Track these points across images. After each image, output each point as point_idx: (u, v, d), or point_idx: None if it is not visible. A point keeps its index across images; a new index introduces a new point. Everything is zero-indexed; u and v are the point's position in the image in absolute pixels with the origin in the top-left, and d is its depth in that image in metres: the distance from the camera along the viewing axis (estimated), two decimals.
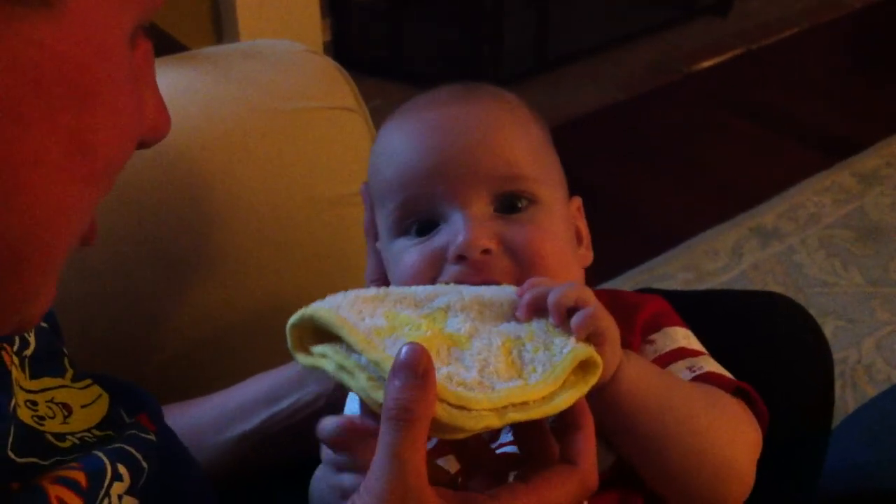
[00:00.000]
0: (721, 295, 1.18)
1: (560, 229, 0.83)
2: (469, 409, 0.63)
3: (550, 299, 0.69)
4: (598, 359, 0.68)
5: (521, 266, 0.79)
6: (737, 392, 0.81)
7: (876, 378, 1.98)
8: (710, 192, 2.56)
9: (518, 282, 0.76)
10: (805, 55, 3.22)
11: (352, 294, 0.72)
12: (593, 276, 0.86)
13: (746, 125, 2.87)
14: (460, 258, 0.78)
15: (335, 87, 1.20)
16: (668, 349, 0.83)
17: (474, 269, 0.78)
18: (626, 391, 0.73)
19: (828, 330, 1.03)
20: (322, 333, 0.70)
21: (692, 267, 2.28)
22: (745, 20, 3.35)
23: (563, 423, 0.68)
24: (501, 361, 0.67)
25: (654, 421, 0.74)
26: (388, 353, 0.64)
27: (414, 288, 0.74)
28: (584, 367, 0.68)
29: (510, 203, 0.81)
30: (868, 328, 2.11)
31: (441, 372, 0.64)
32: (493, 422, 0.64)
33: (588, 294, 0.70)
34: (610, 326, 0.70)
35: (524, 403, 0.65)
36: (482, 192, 0.80)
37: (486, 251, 0.78)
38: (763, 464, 0.80)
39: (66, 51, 0.50)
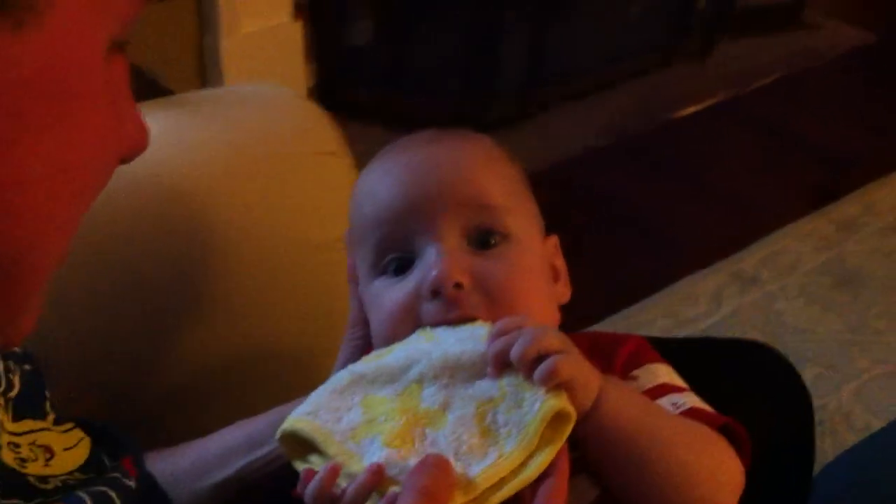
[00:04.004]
0: (701, 343, 1.19)
1: (533, 265, 0.84)
2: None
3: (513, 355, 0.70)
4: (570, 409, 0.69)
5: (493, 302, 0.79)
6: (720, 429, 0.81)
7: (855, 426, 1.98)
8: (688, 239, 2.58)
9: (491, 317, 0.77)
10: (785, 102, 3.26)
11: (328, 388, 0.74)
12: (571, 323, 0.86)
13: (728, 171, 2.89)
14: (435, 293, 0.79)
15: (320, 131, 1.20)
16: (651, 385, 0.84)
17: (449, 306, 0.79)
18: (606, 421, 0.73)
19: (807, 377, 1.04)
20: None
21: (671, 314, 2.29)
22: (725, 66, 3.38)
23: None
24: (476, 434, 0.68)
25: (635, 451, 0.74)
26: (364, 463, 0.68)
27: (386, 359, 0.75)
28: (558, 416, 0.68)
29: (483, 239, 0.82)
30: (847, 375, 2.12)
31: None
32: None
33: (551, 340, 0.71)
34: (576, 371, 0.70)
35: (501, 480, 0.66)
36: (455, 225, 0.82)
37: (458, 285, 0.79)
38: None
39: (42, 69, 0.49)
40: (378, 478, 0.66)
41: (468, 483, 0.65)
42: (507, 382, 0.70)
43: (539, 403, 0.68)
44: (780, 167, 2.90)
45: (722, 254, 2.48)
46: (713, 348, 1.11)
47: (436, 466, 0.65)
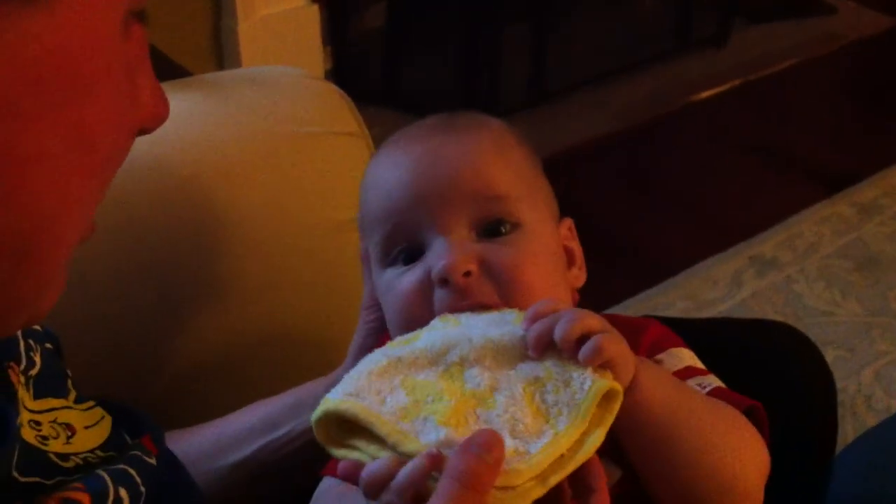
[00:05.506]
0: (723, 323, 1.18)
1: (543, 251, 0.83)
2: (514, 487, 0.63)
3: (557, 336, 0.69)
4: (619, 387, 0.68)
5: (502, 288, 0.79)
6: (745, 412, 0.80)
7: (876, 408, 1.97)
8: (708, 222, 2.57)
9: (503, 303, 0.78)
10: (802, 87, 3.24)
11: (364, 371, 0.72)
12: (590, 306, 0.86)
13: (744, 155, 2.88)
14: (443, 281, 0.78)
15: (338, 112, 1.20)
16: (676, 368, 0.84)
17: (459, 294, 0.78)
18: (640, 399, 0.73)
19: (827, 359, 1.05)
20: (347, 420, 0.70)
21: (691, 296, 2.28)
22: (742, 52, 3.36)
23: (580, 485, 0.68)
24: (528, 413, 0.67)
25: (666, 429, 0.74)
26: (421, 441, 0.65)
27: (421, 343, 0.73)
28: (605, 395, 0.68)
29: (493, 228, 0.82)
30: (867, 358, 2.11)
31: None
32: (538, 492, 0.64)
33: (592, 321, 0.70)
34: (618, 349, 0.70)
35: (560, 458, 0.66)
36: (463, 217, 0.81)
37: (466, 274, 0.78)
38: (766, 492, 0.80)
39: (62, 43, 0.50)
40: (437, 462, 0.63)
41: (531, 460, 0.64)
42: (550, 363, 0.69)
43: (589, 383, 0.67)
44: (799, 150, 2.88)
45: (741, 237, 2.47)
46: (736, 329, 1.11)
47: (485, 447, 0.62)
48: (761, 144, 2.92)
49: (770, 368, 1.02)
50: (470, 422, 0.67)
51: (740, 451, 0.77)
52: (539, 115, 2.91)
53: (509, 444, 0.65)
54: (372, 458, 0.67)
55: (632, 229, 2.56)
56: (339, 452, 0.70)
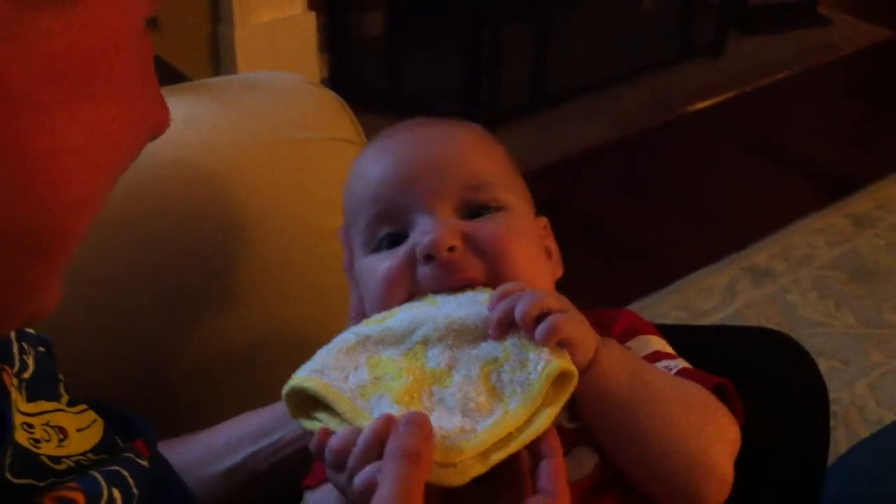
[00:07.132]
0: (718, 331, 1.19)
1: (527, 231, 0.85)
2: (454, 464, 0.65)
3: (517, 315, 0.71)
4: (573, 369, 0.70)
5: (488, 261, 0.80)
6: (715, 390, 0.81)
7: (869, 419, 1.98)
8: (703, 232, 2.57)
9: (488, 278, 0.79)
10: (798, 98, 3.25)
11: (334, 348, 0.75)
12: (585, 307, 0.86)
13: (739, 165, 2.88)
14: (428, 257, 0.79)
15: (335, 118, 1.20)
16: (643, 353, 0.84)
17: (445, 270, 0.79)
18: (601, 378, 0.74)
19: (820, 370, 1.05)
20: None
21: (685, 305, 2.29)
22: (739, 62, 3.37)
23: (534, 453, 0.69)
24: (482, 392, 0.69)
25: (628, 409, 0.75)
26: (374, 418, 0.67)
27: (390, 322, 0.76)
28: (560, 376, 0.70)
29: (476, 213, 0.83)
30: (861, 369, 2.11)
31: None
32: (478, 469, 0.66)
33: (551, 301, 0.72)
34: (576, 329, 0.72)
35: (508, 436, 0.67)
36: (449, 202, 0.83)
37: (451, 249, 0.79)
38: (759, 500, 0.80)
39: (82, 41, 0.50)
40: (390, 427, 0.66)
41: (475, 439, 0.66)
42: (510, 344, 0.72)
43: (543, 364, 0.69)
44: (793, 161, 2.89)
45: (735, 247, 2.47)
46: (731, 336, 1.11)
47: (415, 424, 0.65)
48: (759, 151, 2.93)
49: (764, 376, 1.02)
50: (423, 399, 0.69)
51: (705, 427, 0.77)
52: (539, 121, 2.92)
53: (458, 422, 0.67)
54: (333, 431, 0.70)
55: (630, 234, 2.57)
56: (306, 424, 0.73)
